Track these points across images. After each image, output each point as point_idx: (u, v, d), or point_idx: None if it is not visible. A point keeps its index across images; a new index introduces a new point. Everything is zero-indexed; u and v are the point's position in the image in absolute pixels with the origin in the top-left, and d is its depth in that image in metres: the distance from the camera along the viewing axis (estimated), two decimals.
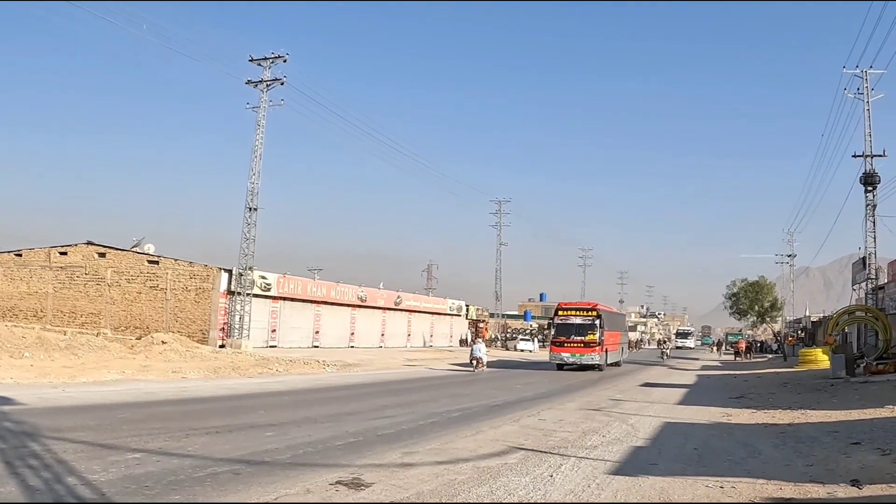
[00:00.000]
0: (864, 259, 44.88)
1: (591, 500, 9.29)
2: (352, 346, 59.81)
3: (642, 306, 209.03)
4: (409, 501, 8.92)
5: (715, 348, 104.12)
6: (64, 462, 10.07)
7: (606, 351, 42.37)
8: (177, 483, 9.27)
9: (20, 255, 53.39)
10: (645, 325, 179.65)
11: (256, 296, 47.33)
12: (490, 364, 42.66)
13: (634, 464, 12.14)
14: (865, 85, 43.39)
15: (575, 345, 40.34)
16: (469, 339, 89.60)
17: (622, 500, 9.30)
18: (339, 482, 9.76)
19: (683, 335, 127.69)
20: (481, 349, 41.90)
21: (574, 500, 9.26)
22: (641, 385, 32.11)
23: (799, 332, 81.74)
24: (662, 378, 38.33)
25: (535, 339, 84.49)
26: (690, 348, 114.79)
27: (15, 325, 39.69)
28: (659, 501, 9.29)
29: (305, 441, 13.27)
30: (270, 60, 44.75)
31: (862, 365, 34.51)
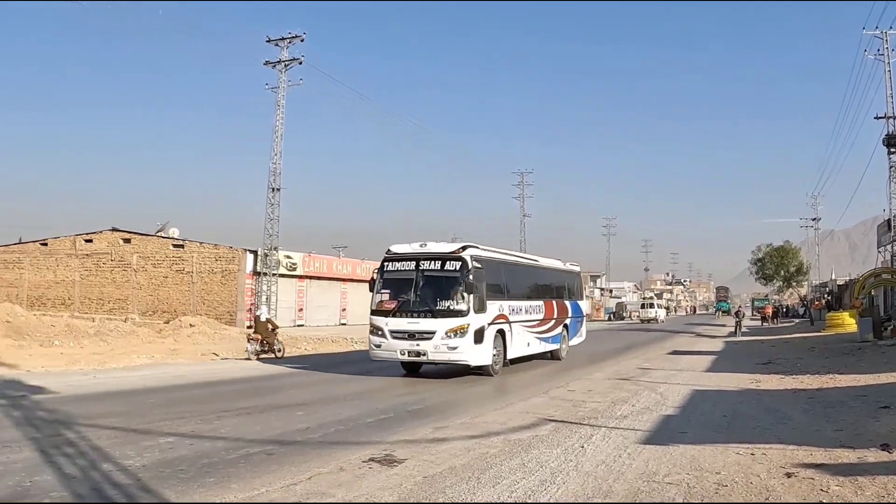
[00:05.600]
0: (888, 221, 44.61)
1: (622, 470, 9.29)
2: None
3: (668, 274, 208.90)
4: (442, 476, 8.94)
5: (734, 317, 63.82)
6: (98, 448, 10.16)
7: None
8: (210, 465, 9.35)
9: (46, 245, 53.66)
10: (671, 292, 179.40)
11: (282, 276, 47.45)
12: None
13: (664, 432, 12.12)
14: (885, 46, 43.06)
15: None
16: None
17: (653, 470, 9.30)
18: (371, 459, 9.80)
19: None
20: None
21: (606, 470, 9.26)
22: (669, 353, 32.14)
23: (825, 296, 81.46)
24: (690, 346, 38.30)
25: None
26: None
27: (43, 314, 40.16)
28: (690, 470, 9.27)
29: (336, 419, 13.31)
30: (287, 40, 44.65)
31: (889, 328, 34.37)
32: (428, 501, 7.83)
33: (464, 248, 20.69)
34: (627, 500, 8.01)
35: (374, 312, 21.20)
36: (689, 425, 12.88)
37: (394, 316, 20.53)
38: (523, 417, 13.64)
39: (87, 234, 52.12)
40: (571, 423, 13.02)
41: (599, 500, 7.98)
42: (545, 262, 29.02)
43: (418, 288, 20.56)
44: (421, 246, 21.08)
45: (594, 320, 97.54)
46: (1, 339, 26.23)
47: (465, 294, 19.92)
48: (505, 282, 23.15)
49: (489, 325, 20.82)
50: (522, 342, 23.90)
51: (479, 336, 20.17)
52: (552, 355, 27.54)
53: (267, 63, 45.13)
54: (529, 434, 11.86)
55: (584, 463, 9.71)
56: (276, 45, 44.86)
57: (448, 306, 20.08)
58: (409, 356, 20.41)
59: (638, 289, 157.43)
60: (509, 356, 22.70)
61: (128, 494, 7.97)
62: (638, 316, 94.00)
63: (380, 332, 20.69)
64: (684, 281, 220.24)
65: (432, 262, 20.58)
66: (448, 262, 20.36)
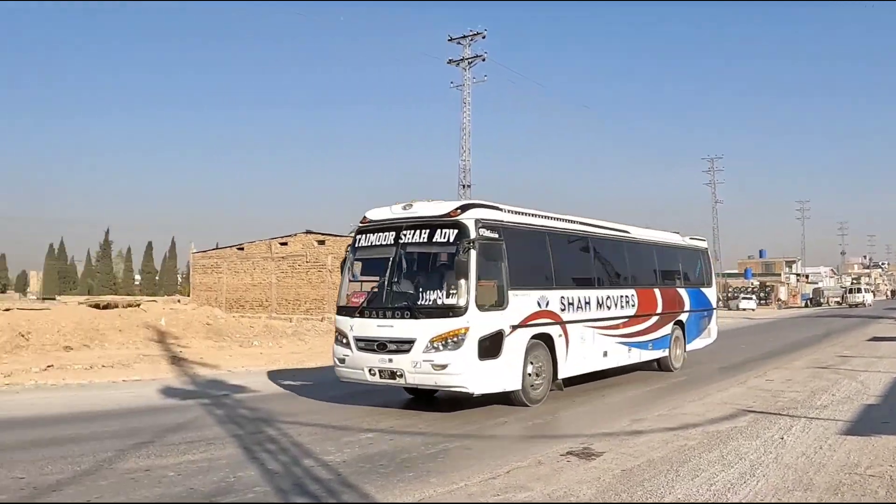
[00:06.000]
0: None
1: (823, 462, 9.01)
2: None
3: (865, 256, 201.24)
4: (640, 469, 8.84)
5: None
6: (299, 445, 10.47)
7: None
8: (409, 460, 9.52)
9: (242, 249, 55.53)
10: (869, 276, 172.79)
11: None
12: None
13: (866, 423, 11.73)
14: None
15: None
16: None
17: (855, 462, 8.98)
18: (569, 452, 9.78)
19: None
20: None
21: (806, 462, 9.00)
22: (869, 340, 30.85)
23: None
24: (890, 332, 36.68)
25: (755, 298, 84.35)
26: None
27: (242, 316, 41.54)
28: (893, 462, 8.92)
29: (532, 413, 13.33)
30: (469, 38, 45.01)
31: None
32: (626, 500, 7.74)
33: (464, 207, 13.43)
34: (829, 493, 7.79)
35: (339, 310, 14.44)
36: (891, 415, 12.42)
37: (360, 315, 13.69)
38: (721, 408, 13.37)
39: (281, 237, 53.59)
40: (770, 413, 12.70)
41: (800, 494, 7.76)
42: (642, 233, 20.27)
43: (396, 272, 13.59)
44: (405, 208, 14.01)
45: (790, 307, 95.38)
46: (202, 340, 27.23)
47: (464, 280, 12.57)
48: (556, 261, 15.52)
49: (514, 327, 13.43)
50: (592, 351, 16.23)
51: (489, 346, 12.83)
52: (659, 365, 19.87)
53: (451, 61, 45.60)
54: (728, 425, 11.62)
55: (784, 455, 9.49)
56: (458, 42, 45.29)
57: (434, 300, 13.01)
58: (380, 377, 13.27)
59: (835, 273, 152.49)
60: (564, 373, 15.01)
61: (329, 490, 8.19)
62: (838, 300, 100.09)
63: (344, 341, 13.88)
64: (882, 264, 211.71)
65: (416, 232, 13.46)
66: (439, 231, 13.18)
